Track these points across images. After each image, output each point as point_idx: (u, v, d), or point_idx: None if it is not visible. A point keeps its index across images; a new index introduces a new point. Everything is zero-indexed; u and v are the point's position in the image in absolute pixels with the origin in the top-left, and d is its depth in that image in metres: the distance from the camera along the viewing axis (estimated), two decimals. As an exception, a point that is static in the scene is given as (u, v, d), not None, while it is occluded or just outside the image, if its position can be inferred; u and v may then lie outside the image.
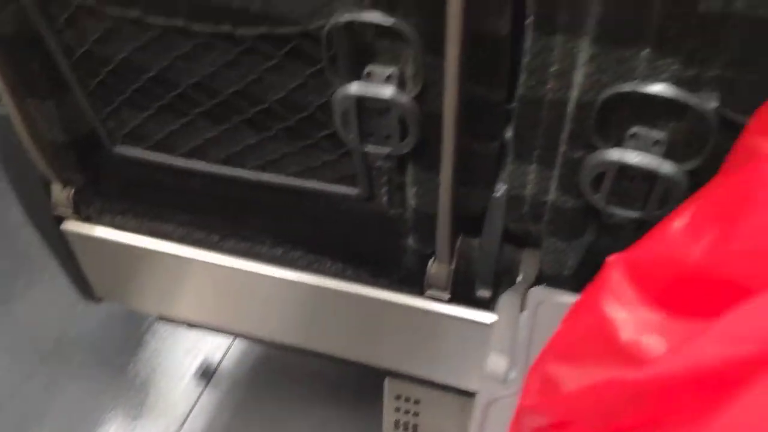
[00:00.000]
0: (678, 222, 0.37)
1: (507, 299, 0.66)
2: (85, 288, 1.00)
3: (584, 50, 0.52)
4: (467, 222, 0.75)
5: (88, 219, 0.90)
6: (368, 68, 0.62)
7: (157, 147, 0.77)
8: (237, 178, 0.76)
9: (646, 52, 0.50)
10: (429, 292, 0.78)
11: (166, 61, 0.67)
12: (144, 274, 0.92)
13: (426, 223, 0.72)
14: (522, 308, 0.64)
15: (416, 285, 0.78)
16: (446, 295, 0.77)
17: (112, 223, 0.90)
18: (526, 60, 0.55)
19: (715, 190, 0.37)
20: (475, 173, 0.70)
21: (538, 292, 0.65)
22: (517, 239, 0.74)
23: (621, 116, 0.54)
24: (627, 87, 0.51)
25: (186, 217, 0.86)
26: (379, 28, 0.58)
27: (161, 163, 0.78)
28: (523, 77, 0.56)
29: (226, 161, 0.76)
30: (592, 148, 0.57)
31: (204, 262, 0.86)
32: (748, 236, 0.34)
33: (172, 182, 0.81)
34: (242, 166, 0.75)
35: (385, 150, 0.66)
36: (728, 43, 0.48)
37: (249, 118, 0.70)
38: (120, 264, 0.93)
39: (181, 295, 0.93)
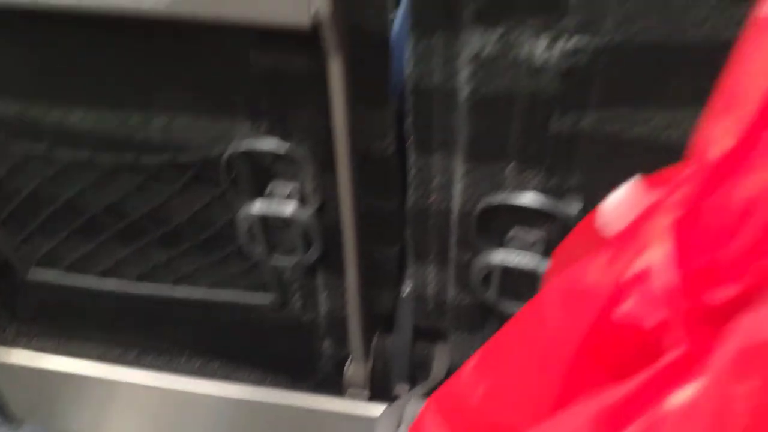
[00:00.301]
0: (470, 362, 0.39)
1: (386, 413, 0.68)
2: (3, 411, 0.97)
3: (459, 166, 0.57)
4: (382, 319, 0.77)
5: (3, 343, 0.89)
6: (269, 186, 0.65)
7: (70, 269, 0.78)
8: (150, 295, 0.77)
9: (511, 167, 0.55)
10: (349, 392, 0.80)
11: (74, 191, 0.69)
12: (63, 395, 0.91)
13: (339, 326, 0.75)
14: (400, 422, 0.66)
15: (336, 386, 0.80)
16: (366, 394, 0.79)
17: (28, 345, 0.89)
18: (411, 175, 0.60)
19: (505, 328, 0.38)
20: (381, 275, 0.73)
21: (414, 406, 0.68)
22: (429, 334, 0.78)
23: (500, 222, 0.59)
24: (498, 198, 0.56)
25: (103, 335, 0.86)
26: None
27: (75, 285, 0.79)
28: (410, 190, 0.61)
29: (140, 278, 0.77)
30: (478, 250, 0.61)
31: (122, 381, 0.85)
32: (511, 384, 0.36)
33: (86, 302, 0.82)
34: (155, 282, 0.77)
35: (293, 260, 0.69)
36: (581, 157, 0.53)
37: (158, 238, 0.72)
38: (39, 387, 0.91)
39: (102, 414, 0.91)
